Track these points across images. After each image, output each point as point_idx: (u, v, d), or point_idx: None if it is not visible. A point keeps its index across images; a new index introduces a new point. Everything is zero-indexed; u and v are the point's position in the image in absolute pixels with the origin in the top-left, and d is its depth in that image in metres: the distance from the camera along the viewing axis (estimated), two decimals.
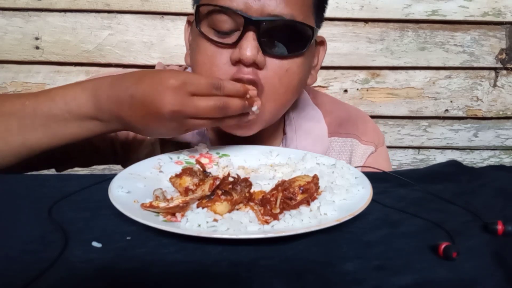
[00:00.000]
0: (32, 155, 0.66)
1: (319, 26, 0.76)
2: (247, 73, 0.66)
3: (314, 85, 1.38)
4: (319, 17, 0.75)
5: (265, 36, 0.66)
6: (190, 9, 0.77)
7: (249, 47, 0.64)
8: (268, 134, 0.82)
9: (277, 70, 0.68)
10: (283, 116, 0.84)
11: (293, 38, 0.68)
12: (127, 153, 0.85)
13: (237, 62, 0.66)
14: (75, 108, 0.63)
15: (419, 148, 1.50)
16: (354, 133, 0.86)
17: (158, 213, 0.49)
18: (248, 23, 0.64)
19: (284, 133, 0.85)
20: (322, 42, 0.80)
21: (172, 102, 0.58)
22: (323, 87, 1.42)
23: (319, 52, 0.80)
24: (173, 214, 0.49)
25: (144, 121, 0.61)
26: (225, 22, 0.67)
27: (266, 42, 0.66)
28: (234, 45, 0.66)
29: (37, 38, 1.34)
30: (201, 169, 0.59)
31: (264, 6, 0.65)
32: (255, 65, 0.66)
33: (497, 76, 1.43)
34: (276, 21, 0.66)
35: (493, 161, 1.52)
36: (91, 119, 0.64)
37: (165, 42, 1.35)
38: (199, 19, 0.69)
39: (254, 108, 0.64)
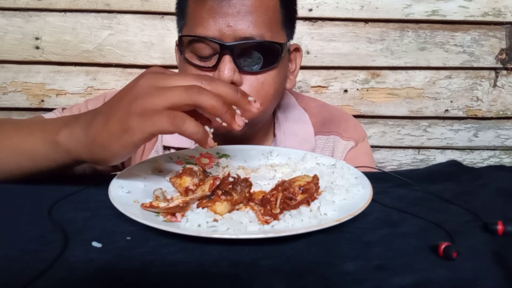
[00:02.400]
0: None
1: (291, 37, 0.84)
2: None
3: (314, 85, 1.40)
4: (290, 28, 0.83)
5: (239, 57, 0.74)
6: None
7: (226, 69, 0.71)
8: (259, 136, 0.88)
9: (253, 84, 0.76)
10: (273, 120, 0.92)
11: (264, 54, 0.75)
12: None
13: None
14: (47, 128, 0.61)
15: (419, 148, 1.50)
16: (336, 130, 0.93)
17: (158, 213, 0.49)
18: (223, 48, 0.72)
19: (274, 135, 0.91)
20: (297, 49, 0.87)
21: (147, 82, 0.52)
22: (323, 87, 1.42)
23: (296, 58, 0.88)
24: (173, 214, 0.49)
25: (111, 113, 0.52)
26: (204, 49, 0.75)
27: (241, 62, 0.74)
28: (214, 68, 0.74)
29: (37, 38, 1.34)
30: (201, 169, 0.59)
31: (236, 31, 0.73)
32: (233, 83, 0.73)
33: (497, 76, 1.43)
34: (247, 43, 0.73)
35: (493, 161, 1.52)
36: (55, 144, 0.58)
37: (165, 42, 1.35)
38: (182, 48, 0.77)
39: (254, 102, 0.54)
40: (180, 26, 0.82)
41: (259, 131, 0.87)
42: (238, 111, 0.53)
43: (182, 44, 0.77)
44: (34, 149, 0.60)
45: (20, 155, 0.62)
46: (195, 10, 0.75)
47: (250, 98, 0.53)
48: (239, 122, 0.52)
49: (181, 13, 0.81)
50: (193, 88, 0.50)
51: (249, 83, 0.75)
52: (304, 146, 0.88)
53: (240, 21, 0.73)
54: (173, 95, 0.49)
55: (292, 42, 0.85)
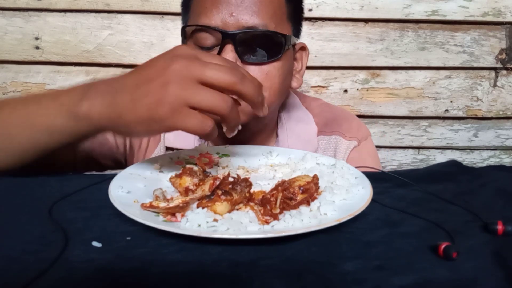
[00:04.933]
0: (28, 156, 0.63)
1: (297, 35, 0.83)
2: None
3: (314, 85, 1.40)
4: (296, 25, 0.82)
5: (242, 47, 0.72)
6: None
7: (228, 58, 0.69)
8: (263, 137, 0.87)
9: (257, 75, 0.74)
10: (276, 120, 0.91)
11: (268, 45, 0.74)
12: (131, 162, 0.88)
13: None
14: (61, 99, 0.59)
15: (419, 148, 1.50)
16: (339, 130, 0.92)
17: (158, 213, 0.49)
18: (225, 37, 0.71)
19: (277, 135, 0.90)
20: (303, 48, 0.86)
21: (180, 72, 0.51)
22: (323, 87, 1.42)
23: (302, 57, 0.87)
24: (173, 214, 0.49)
25: (137, 94, 0.52)
26: (207, 39, 0.74)
27: (244, 52, 0.73)
28: None
29: (37, 38, 1.34)
30: (201, 169, 0.59)
31: (239, 20, 0.72)
32: None
33: (497, 76, 1.43)
34: (250, 32, 0.72)
35: (493, 161, 1.52)
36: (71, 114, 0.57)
37: (165, 42, 1.35)
38: (186, 39, 0.76)
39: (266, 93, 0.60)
40: (185, 21, 0.81)
41: (262, 130, 0.86)
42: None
43: (186, 36, 0.76)
44: (49, 122, 0.59)
45: (33, 130, 0.60)
46: (199, 1, 0.75)
47: (264, 93, 0.58)
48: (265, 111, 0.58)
49: (186, 6, 0.80)
50: (227, 100, 0.51)
51: (252, 73, 0.72)
52: (307, 146, 0.87)
53: (243, 11, 0.72)
54: (210, 97, 0.50)
55: (298, 41, 0.84)
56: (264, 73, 0.75)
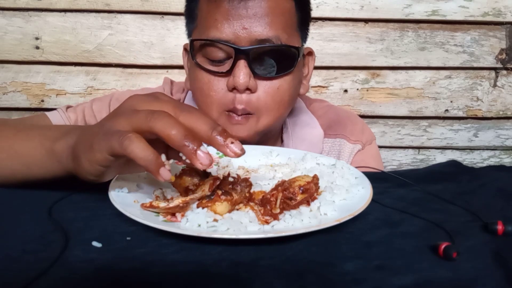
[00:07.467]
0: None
1: (305, 40, 0.82)
2: (240, 102, 0.73)
3: (314, 85, 1.40)
4: (304, 32, 0.81)
5: (254, 62, 0.72)
6: None
7: (242, 75, 0.70)
8: (268, 144, 0.85)
9: (269, 90, 0.74)
10: (281, 126, 0.90)
11: (281, 59, 0.74)
12: None
13: (233, 88, 0.73)
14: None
15: (419, 148, 1.50)
16: (343, 133, 0.91)
17: (158, 213, 0.49)
18: (238, 52, 0.70)
19: (282, 141, 0.90)
20: (310, 53, 0.85)
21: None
22: (323, 87, 1.42)
23: (309, 62, 0.86)
24: (173, 214, 0.49)
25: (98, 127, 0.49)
26: (218, 52, 0.73)
27: (257, 66, 0.72)
28: (228, 73, 0.72)
29: (37, 38, 1.34)
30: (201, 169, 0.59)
31: (251, 33, 0.71)
32: (249, 89, 0.73)
33: (497, 76, 1.43)
34: (263, 47, 0.72)
35: (493, 161, 1.52)
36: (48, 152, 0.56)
37: (165, 42, 1.35)
38: (194, 52, 0.75)
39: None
40: (190, 29, 0.79)
41: (267, 139, 0.85)
42: (205, 149, 0.45)
43: (194, 48, 0.75)
44: (29, 154, 0.57)
45: (14, 159, 0.59)
46: (207, 12, 0.73)
47: (229, 140, 0.46)
48: (203, 161, 0.44)
49: (191, 15, 0.78)
50: (156, 113, 0.44)
51: (264, 89, 0.74)
52: (311, 150, 0.85)
53: (255, 23, 0.71)
54: (134, 117, 0.45)
55: (305, 46, 0.83)
56: (275, 88, 0.74)
